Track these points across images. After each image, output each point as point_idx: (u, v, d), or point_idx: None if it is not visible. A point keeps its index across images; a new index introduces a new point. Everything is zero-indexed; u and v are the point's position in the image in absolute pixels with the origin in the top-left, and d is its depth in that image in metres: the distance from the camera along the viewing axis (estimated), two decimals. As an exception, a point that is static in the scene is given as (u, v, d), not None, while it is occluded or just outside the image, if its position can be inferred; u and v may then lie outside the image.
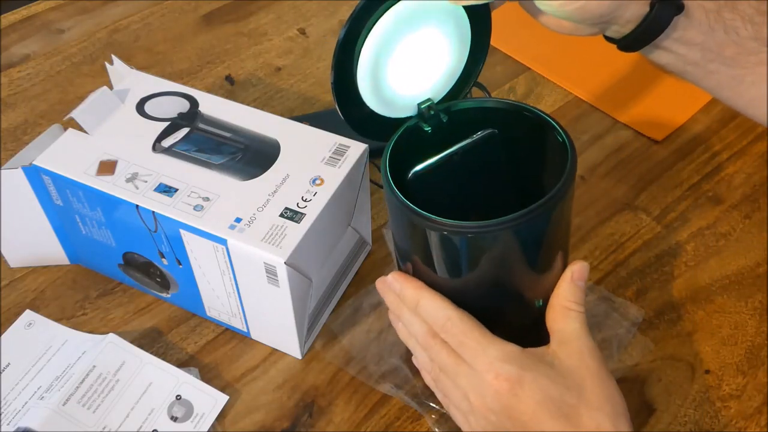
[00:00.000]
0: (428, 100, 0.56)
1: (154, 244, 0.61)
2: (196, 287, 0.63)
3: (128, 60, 0.75)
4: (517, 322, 0.55)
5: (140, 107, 0.66)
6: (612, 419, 0.47)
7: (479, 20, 0.55)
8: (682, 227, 0.72)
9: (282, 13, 0.98)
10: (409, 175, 0.53)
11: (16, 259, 0.69)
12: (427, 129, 0.56)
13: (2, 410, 0.59)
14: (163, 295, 0.67)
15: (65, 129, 0.65)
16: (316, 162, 0.61)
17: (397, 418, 0.60)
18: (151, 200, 0.59)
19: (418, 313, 0.53)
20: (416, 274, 0.54)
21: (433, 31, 0.53)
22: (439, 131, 0.56)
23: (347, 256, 0.66)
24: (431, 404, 0.59)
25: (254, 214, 0.58)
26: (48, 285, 0.69)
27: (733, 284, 0.67)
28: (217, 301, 0.63)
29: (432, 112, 0.55)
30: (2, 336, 0.64)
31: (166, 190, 0.59)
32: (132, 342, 0.63)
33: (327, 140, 0.63)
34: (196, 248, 0.59)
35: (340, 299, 0.67)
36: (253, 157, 0.62)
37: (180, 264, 0.61)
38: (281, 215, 0.57)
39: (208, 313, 0.65)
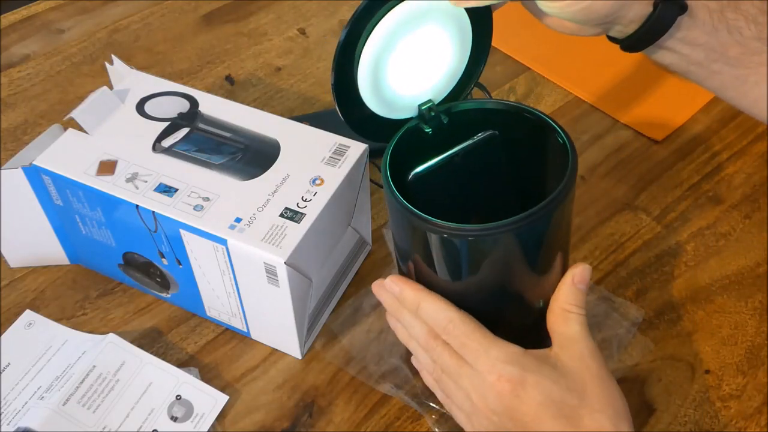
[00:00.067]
0: (429, 101, 0.56)
1: (154, 244, 0.61)
2: (196, 287, 0.63)
3: (128, 60, 0.75)
4: (518, 322, 0.55)
5: (140, 107, 0.66)
6: (613, 421, 0.47)
7: (480, 21, 0.55)
8: (682, 227, 0.72)
9: (282, 13, 0.98)
10: (410, 176, 0.53)
11: (16, 259, 0.69)
12: (427, 130, 0.56)
13: (2, 410, 0.59)
14: (163, 295, 0.67)
15: (65, 129, 0.65)
16: (316, 162, 0.61)
17: (397, 418, 0.60)
18: (151, 200, 0.59)
19: (419, 316, 0.53)
20: (417, 275, 0.54)
21: (435, 32, 0.53)
22: (440, 132, 0.56)
23: (347, 256, 0.66)
24: (431, 404, 0.59)
25: (254, 214, 0.58)
26: (48, 285, 0.69)
27: (733, 284, 0.67)
28: (217, 301, 0.63)
29: (433, 114, 0.55)
30: (2, 336, 0.64)
31: (166, 190, 0.59)
32: (132, 342, 0.63)
33: (327, 140, 0.63)
34: (196, 248, 0.59)
35: (340, 299, 0.67)
36: (253, 157, 0.62)
37: (180, 264, 0.61)
38: (281, 215, 0.57)
39: (208, 313, 0.65)
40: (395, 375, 0.61)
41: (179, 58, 0.92)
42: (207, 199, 0.59)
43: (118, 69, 0.69)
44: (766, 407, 0.60)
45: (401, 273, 0.58)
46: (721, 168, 0.77)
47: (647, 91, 0.85)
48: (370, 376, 0.62)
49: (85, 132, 0.64)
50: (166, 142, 0.63)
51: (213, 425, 0.59)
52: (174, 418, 0.59)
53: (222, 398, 0.60)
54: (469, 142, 0.55)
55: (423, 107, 0.55)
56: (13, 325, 0.65)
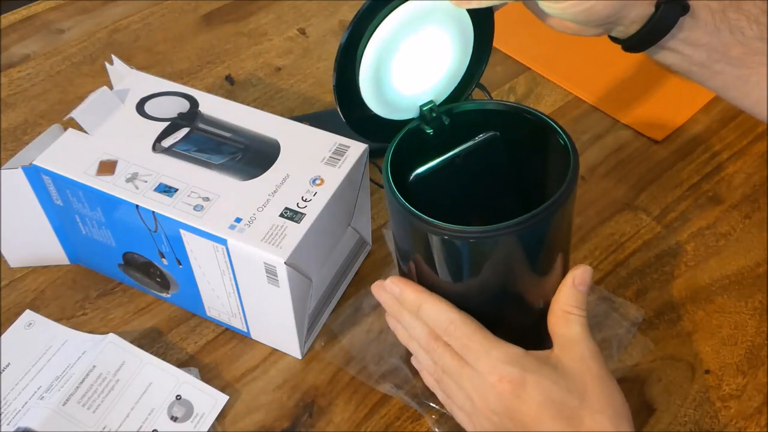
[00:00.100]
0: (430, 102, 0.56)
1: (154, 244, 0.61)
2: (196, 287, 0.63)
3: (128, 60, 0.75)
4: (519, 323, 0.55)
5: (140, 107, 0.66)
6: (614, 422, 0.47)
7: (482, 22, 0.55)
8: (682, 227, 0.72)
9: (282, 13, 0.98)
10: (411, 177, 0.53)
11: (16, 259, 0.69)
12: (429, 131, 0.55)
13: (2, 410, 0.59)
14: (163, 295, 0.67)
15: (65, 129, 0.65)
16: (316, 162, 0.61)
17: (397, 418, 0.60)
18: (151, 200, 0.59)
19: (419, 317, 0.53)
20: (417, 276, 0.54)
21: (436, 33, 0.53)
22: (441, 133, 0.56)
23: (347, 256, 0.66)
24: (431, 404, 0.59)
25: (254, 214, 0.58)
26: (48, 285, 0.69)
27: (733, 284, 0.67)
28: (217, 301, 0.63)
29: (434, 114, 0.55)
30: (2, 336, 0.64)
31: (166, 190, 0.59)
32: (132, 342, 0.63)
33: (327, 140, 0.63)
34: (196, 248, 0.59)
35: (340, 299, 0.67)
36: (253, 157, 0.62)
37: (180, 264, 0.61)
38: (281, 215, 0.57)
39: (208, 313, 0.65)
40: (395, 375, 0.61)
41: (179, 58, 0.92)
42: (207, 199, 0.59)
43: (118, 69, 0.69)
44: (766, 407, 0.60)
45: (402, 273, 0.58)
46: (721, 168, 0.78)
47: (647, 91, 0.85)
48: (370, 376, 0.62)
49: (85, 132, 0.64)
50: (166, 142, 0.63)
51: (213, 425, 0.59)
52: (174, 418, 0.59)
53: (222, 398, 0.60)
54: (471, 143, 0.55)
55: (424, 108, 0.55)
56: (13, 325, 0.65)
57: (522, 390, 0.48)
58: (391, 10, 0.50)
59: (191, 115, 0.66)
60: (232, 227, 0.57)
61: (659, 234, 0.72)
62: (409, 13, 0.50)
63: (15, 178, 0.62)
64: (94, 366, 0.61)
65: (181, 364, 0.63)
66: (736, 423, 0.59)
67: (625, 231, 0.72)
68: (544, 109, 0.84)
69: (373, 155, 0.63)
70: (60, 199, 0.63)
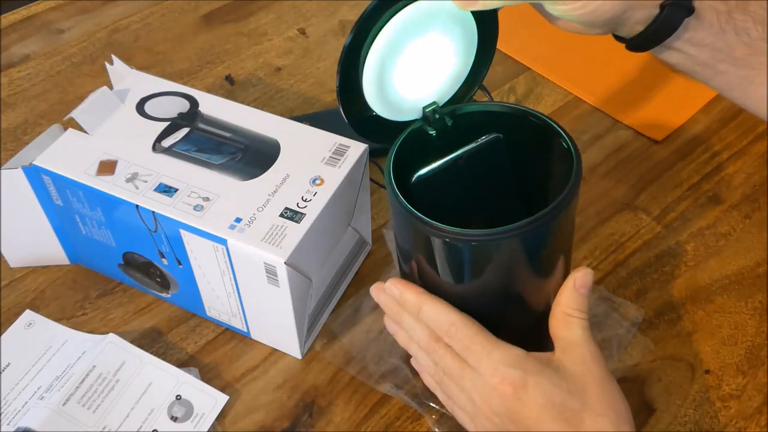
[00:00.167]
0: (433, 103, 0.56)
1: (154, 244, 0.61)
2: (196, 287, 0.63)
3: (128, 60, 0.75)
4: (520, 325, 0.55)
5: (140, 107, 0.66)
6: (615, 425, 0.47)
7: (486, 23, 0.55)
8: (682, 227, 0.72)
9: (282, 13, 0.98)
10: (414, 178, 0.53)
11: (16, 259, 0.69)
12: (431, 132, 0.55)
13: (2, 410, 0.59)
14: (163, 295, 0.67)
15: (65, 129, 0.65)
16: (316, 162, 0.61)
17: (397, 418, 0.60)
18: (151, 200, 0.59)
19: (420, 319, 0.53)
20: (419, 276, 0.54)
21: (440, 35, 0.53)
22: (444, 135, 0.56)
23: (347, 256, 0.66)
24: (431, 404, 0.59)
25: (254, 214, 0.58)
26: (48, 285, 0.69)
27: (733, 284, 0.67)
28: (217, 301, 0.63)
29: (437, 116, 0.55)
30: (2, 336, 0.64)
31: (166, 190, 0.59)
32: (132, 342, 0.63)
33: (327, 140, 0.63)
34: (196, 248, 0.59)
35: (340, 299, 0.67)
36: (253, 157, 0.62)
37: (180, 264, 0.61)
38: (281, 215, 0.57)
39: (208, 313, 0.65)
40: (395, 375, 0.61)
41: (179, 58, 0.92)
42: (207, 199, 0.59)
43: (118, 69, 0.69)
44: (766, 407, 0.60)
45: (402, 274, 0.58)
46: (721, 168, 0.77)
47: (648, 92, 0.85)
48: (370, 376, 0.62)
49: (85, 132, 0.64)
50: (166, 142, 0.63)
51: (213, 425, 0.59)
52: (174, 418, 0.59)
53: (222, 398, 0.60)
54: (473, 144, 0.55)
55: (427, 109, 0.55)
56: (13, 325, 0.65)
57: (523, 392, 0.48)
58: (396, 12, 0.50)
59: (191, 115, 0.66)
60: (232, 227, 0.57)
61: (659, 234, 0.72)
62: (414, 15, 0.50)
63: (15, 178, 0.62)
64: (94, 366, 0.61)
65: (181, 364, 0.63)
66: (736, 423, 0.59)
67: (625, 231, 0.72)
68: (543, 109, 0.84)
69: (373, 155, 0.63)
70: (60, 199, 0.63)
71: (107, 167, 0.61)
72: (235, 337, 0.65)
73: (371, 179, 0.65)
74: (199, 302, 0.64)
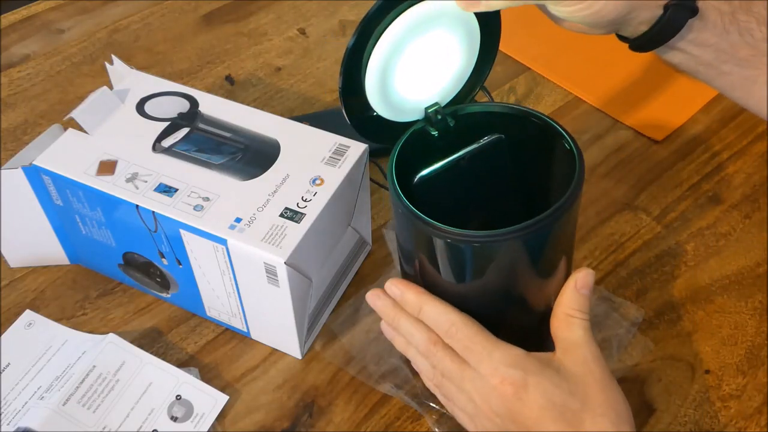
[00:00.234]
0: (435, 104, 0.56)
1: (154, 244, 0.61)
2: (196, 287, 0.63)
3: (128, 60, 0.75)
4: (520, 325, 0.55)
5: (140, 107, 0.66)
6: (616, 425, 0.47)
7: (489, 24, 0.55)
8: (682, 227, 0.72)
9: (282, 13, 0.98)
10: (416, 179, 0.53)
11: (16, 259, 0.69)
12: (434, 133, 0.55)
13: (2, 410, 0.59)
14: (163, 295, 0.67)
15: (65, 129, 0.65)
16: (316, 162, 0.61)
17: (397, 418, 0.60)
18: (151, 200, 0.59)
19: (420, 320, 0.53)
20: (420, 277, 0.54)
21: (443, 36, 0.53)
22: (446, 135, 0.56)
23: (347, 256, 0.66)
24: (431, 404, 0.59)
25: (254, 214, 0.58)
26: (48, 285, 0.69)
27: (733, 284, 0.67)
28: (217, 301, 0.63)
29: (439, 116, 0.55)
30: (2, 336, 0.64)
31: (166, 190, 0.59)
32: (132, 342, 0.63)
33: (327, 140, 0.63)
34: (196, 248, 0.59)
35: (340, 299, 0.67)
36: (253, 157, 0.62)
37: (180, 264, 0.61)
38: (281, 215, 0.57)
39: (208, 313, 0.65)
40: (395, 375, 0.61)
41: (179, 58, 0.92)
42: (207, 199, 0.59)
43: (118, 69, 0.69)
44: (766, 407, 0.60)
45: (403, 274, 0.58)
46: (721, 168, 0.77)
47: (648, 92, 0.85)
48: (370, 376, 0.62)
49: (85, 132, 0.64)
50: (166, 142, 0.63)
51: (213, 425, 0.59)
52: (174, 418, 0.59)
53: (222, 398, 0.60)
54: (475, 145, 0.55)
55: (429, 110, 0.55)
56: (13, 325, 0.65)
57: (524, 392, 0.48)
58: (399, 13, 0.50)
59: (191, 115, 0.66)
60: (232, 227, 0.57)
61: (659, 234, 0.72)
62: (417, 16, 0.50)
63: (15, 178, 0.62)
64: (94, 366, 0.61)
65: (181, 364, 0.63)
66: (736, 423, 0.59)
67: (625, 231, 0.72)
68: (543, 109, 0.84)
69: (374, 155, 0.63)
70: (60, 199, 0.63)
71: (107, 167, 0.61)
72: (235, 337, 0.65)
73: (371, 179, 0.65)
74: (199, 302, 0.64)
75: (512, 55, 0.90)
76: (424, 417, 0.59)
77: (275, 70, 0.90)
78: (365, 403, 0.61)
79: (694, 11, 0.52)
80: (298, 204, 0.58)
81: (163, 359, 0.62)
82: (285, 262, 0.55)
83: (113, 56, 0.70)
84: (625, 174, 0.77)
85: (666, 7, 0.52)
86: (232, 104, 0.67)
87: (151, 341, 0.64)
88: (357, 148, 0.62)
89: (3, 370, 0.62)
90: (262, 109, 0.67)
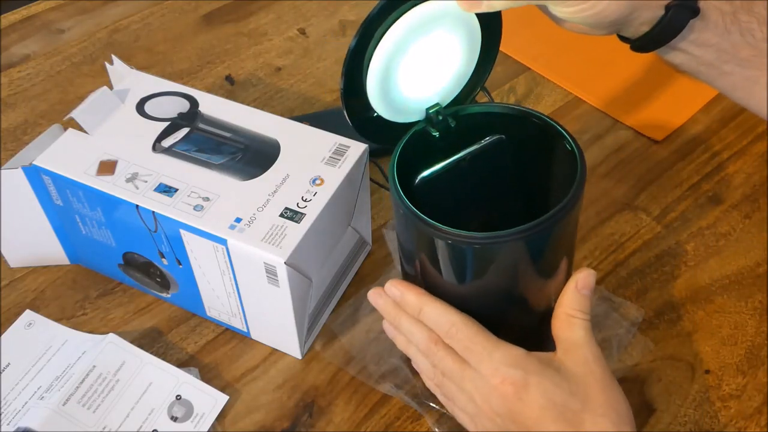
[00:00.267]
0: (436, 104, 0.56)
1: (154, 244, 0.61)
2: (196, 287, 0.63)
3: (128, 60, 0.75)
4: (521, 325, 0.55)
5: (140, 107, 0.66)
6: (616, 425, 0.47)
7: (490, 25, 0.55)
8: (682, 227, 0.72)
9: (282, 13, 0.98)
10: (417, 180, 0.53)
11: (16, 259, 0.69)
12: (435, 134, 0.55)
13: (2, 410, 0.59)
14: (163, 295, 0.67)
15: (65, 129, 0.65)
16: (316, 162, 0.61)
17: (397, 418, 0.60)
18: (151, 200, 0.59)
19: (420, 320, 0.53)
20: (421, 277, 0.54)
21: (445, 37, 0.53)
22: (447, 136, 0.56)
23: (347, 256, 0.66)
24: (431, 404, 0.59)
25: (254, 214, 0.58)
26: (48, 285, 0.69)
27: (733, 284, 0.67)
28: (217, 301, 0.63)
29: (440, 117, 0.55)
30: (2, 336, 0.64)
31: (166, 190, 0.59)
32: (132, 342, 0.63)
33: (327, 140, 0.63)
34: (196, 248, 0.59)
35: (340, 299, 0.67)
36: (253, 157, 0.62)
37: (180, 264, 0.61)
38: (281, 215, 0.57)
39: (208, 313, 0.65)
40: (395, 375, 0.61)
41: (179, 58, 0.92)
42: (207, 199, 0.59)
43: (118, 69, 0.69)
44: (766, 407, 0.60)
45: (404, 274, 0.58)
46: (721, 168, 0.77)
47: (648, 92, 0.85)
48: (370, 376, 0.62)
49: (85, 132, 0.64)
50: (166, 142, 0.63)
51: (213, 425, 0.59)
52: (174, 418, 0.59)
53: (222, 398, 0.60)
54: (477, 146, 0.55)
55: (430, 111, 0.55)
56: (13, 325, 0.65)
57: (524, 392, 0.48)
58: (401, 14, 0.50)
59: (191, 115, 0.66)
60: (232, 227, 0.57)
61: (659, 234, 0.72)
62: (419, 17, 0.50)
63: (15, 178, 0.62)
64: (94, 366, 0.61)
65: (181, 364, 0.63)
66: (736, 423, 0.59)
67: (625, 231, 0.72)
68: (543, 109, 0.84)
69: (373, 155, 0.63)
70: (60, 199, 0.63)
71: (107, 167, 0.61)
72: (235, 337, 0.65)
73: (371, 179, 0.65)
74: (199, 302, 0.64)
75: (512, 55, 0.90)
76: (424, 417, 0.59)
77: (275, 70, 0.90)
78: (365, 403, 0.61)
79: (695, 11, 0.52)
80: (298, 204, 0.58)
81: (163, 359, 0.62)
82: (285, 262, 0.55)
83: (113, 56, 0.70)
84: (625, 174, 0.77)
85: (667, 8, 0.52)
86: (232, 104, 0.67)
87: (151, 341, 0.64)
88: (357, 148, 0.62)
89: (3, 370, 0.62)
90: (262, 109, 0.67)
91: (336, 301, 0.67)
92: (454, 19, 0.52)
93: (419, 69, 0.53)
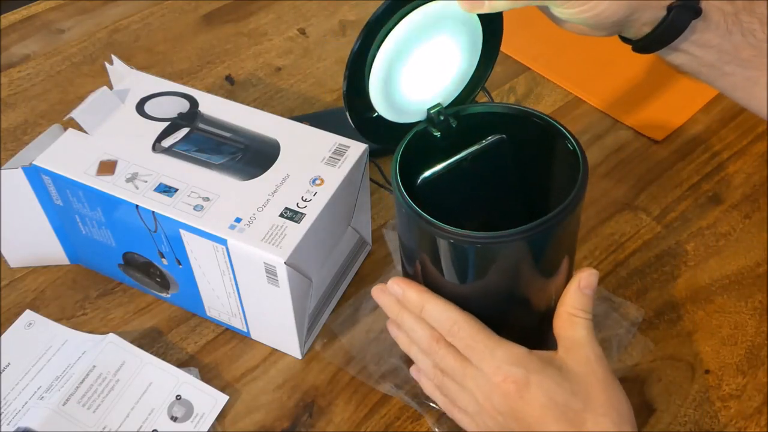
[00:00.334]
0: (438, 105, 0.56)
1: (154, 244, 0.61)
2: (196, 287, 0.63)
3: (128, 60, 0.75)
4: (522, 325, 0.55)
5: (140, 107, 0.66)
6: (617, 425, 0.48)
7: (491, 25, 0.55)
8: (682, 227, 0.72)
9: (282, 13, 0.98)
10: (419, 180, 0.53)
11: (16, 259, 0.69)
12: (436, 134, 0.56)
13: (2, 410, 0.59)
14: (163, 295, 0.67)
15: (65, 129, 0.65)
16: (316, 162, 0.61)
17: (397, 418, 0.60)
18: (151, 200, 0.59)
19: (422, 318, 0.53)
20: (423, 277, 0.54)
21: (447, 37, 0.53)
22: (448, 136, 0.56)
23: (347, 256, 0.66)
24: (431, 404, 0.59)
25: (254, 214, 0.58)
26: (48, 285, 0.69)
27: (733, 284, 0.67)
28: (217, 301, 0.63)
29: (441, 117, 0.55)
30: (2, 336, 0.64)
31: (166, 190, 0.59)
32: (132, 342, 0.63)
33: (327, 140, 0.63)
34: (196, 248, 0.59)
35: (340, 299, 0.67)
36: (253, 157, 0.62)
37: (180, 264, 0.61)
38: (281, 215, 0.57)
39: (208, 313, 0.65)
40: (395, 375, 0.61)
41: (179, 58, 0.92)
42: (207, 199, 0.59)
43: (118, 69, 0.69)
44: (766, 407, 0.60)
45: (405, 273, 0.58)
46: (721, 168, 0.78)
47: (648, 91, 0.85)
48: (370, 376, 0.62)
49: (85, 132, 0.64)
50: (166, 142, 0.63)
51: (213, 425, 0.59)
52: (174, 418, 0.59)
53: (222, 398, 0.60)
54: (478, 146, 0.55)
55: (432, 111, 0.55)
56: (13, 325, 0.65)
57: (526, 390, 0.48)
58: (403, 16, 0.50)
59: (191, 115, 0.66)
60: (232, 227, 0.57)
61: (659, 234, 0.72)
62: (421, 18, 0.50)
63: (15, 178, 0.62)
64: (94, 366, 0.61)
65: (181, 364, 0.63)
66: (736, 423, 0.59)
67: (625, 231, 0.72)
68: (543, 109, 0.84)
69: (373, 155, 0.63)
70: (60, 199, 0.63)
71: (107, 167, 0.61)
72: (235, 337, 0.65)
73: (371, 179, 0.65)
74: (199, 302, 0.64)
75: (512, 55, 0.90)
76: (424, 417, 0.59)
77: (275, 70, 0.90)
78: (365, 403, 0.61)
79: (697, 12, 0.52)
80: (298, 204, 0.58)
81: (163, 359, 0.62)
82: (285, 262, 0.55)
83: (113, 56, 0.70)
84: (625, 174, 0.77)
85: (669, 9, 0.51)
86: (232, 104, 0.67)
87: (151, 341, 0.64)
88: (357, 148, 0.62)
89: (3, 370, 0.62)
90: (262, 109, 0.67)
91: (336, 301, 0.67)
92: (456, 20, 0.52)
93: (421, 70, 0.53)
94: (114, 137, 0.64)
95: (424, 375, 0.55)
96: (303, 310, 0.60)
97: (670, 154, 0.79)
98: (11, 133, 0.82)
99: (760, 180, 0.76)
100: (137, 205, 0.59)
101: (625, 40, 0.56)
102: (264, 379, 0.62)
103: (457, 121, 0.56)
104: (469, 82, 0.58)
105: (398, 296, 0.54)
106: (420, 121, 0.56)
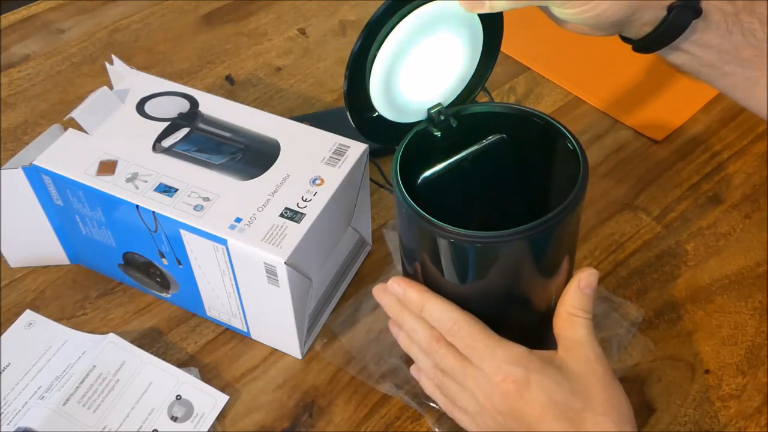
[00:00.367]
0: (438, 104, 0.56)
1: (154, 244, 0.61)
2: (196, 287, 0.63)
3: (128, 60, 0.75)
4: (522, 324, 0.55)
5: (140, 107, 0.66)
6: (617, 425, 0.48)
7: (492, 25, 0.55)
8: (682, 227, 0.72)
9: (282, 13, 0.98)
10: (420, 180, 0.53)
11: (16, 259, 0.69)
12: (436, 133, 0.56)
13: (2, 410, 0.59)
14: (163, 295, 0.67)
15: (65, 129, 0.65)
16: (316, 162, 0.61)
17: (397, 418, 0.60)
18: (151, 200, 0.59)
19: (422, 318, 0.53)
20: (423, 277, 0.54)
21: (447, 38, 0.53)
22: (449, 136, 0.56)
23: (347, 256, 0.66)
24: (431, 404, 0.59)
25: (254, 214, 0.58)
26: (48, 285, 0.69)
27: (733, 284, 0.67)
28: (217, 301, 0.63)
29: (442, 117, 0.55)
30: (2, 336, 0.64)
31: (166, 190, 0.59)
32: (132, 342, 0.63)
33: (327, 140, 0.63)
34: (196, 248, 0.59)
35: (340, 299, 0.67)
36: (253, 157, 0.62)
37: (180, 264, 0.61)
38: (281, 215, 0.57)
39: (208, 313, 0.65)
40: (395, 375, 0.61)
41: (179, 58, 0.92)
42: (207, 199, 0.59)
43: (118, 69, 0.69)
44: (766, 407, 0.60)
45: (405, 273, 0.58)
46: (721, 168, 0.78)
47: (648, 91, 0.85)
48: (370, 376, 0.62)
49: (85, 132, 0.64)
50: (166, 142, 0.63)
51: (213, 425, 0.59)
52: (174, 418, 0.59)
53: (222, 398, 0.60)
54: (478, 146, 0.55)
55: (432, 110, 0.55)
56: (13, 325, 0.65)
57: (526, 390, 0.48)
58: (404, 16, 0.50)
59: (191, 115, 0.66)
60: (232, 227, 0.57)
61: (659, 234, 0.72)
62: (422, 18, 0.50)
63: (15, 178, 0.62)
64: (94, 366, 0.61)
65: (181, 364, 0.63)
66: (736, 423, 0.59)
67: (625, 231, 0.72)
68: (544, 109, 0.84)
69: (373, 155, 0.63)
70: (60, 199, 0.63)
71: (107, 167, 0.61)
72: (235, 337, 0.65)
73: (371, 179, 0.65)
74: (199, 302, 0.64)
75: (512, 55, 0.90)
76: (424, 417, 0.59)
77: (275, 70, 0.90)
78: (365, 403, 0.61)
79: (698, 12, 0.52)
80: (298, 204, 0.58)
81: (163, 359, 0.62)
82: (285, 262, 0.55)
83: (113, 56, 0.70)
84: (625, 174, 0.77)
85: (670, 9, 0.52)
86: (232, 104, 0.67)
87: (151, 341, 0.64)
88: (357, 148, 0.62)
89: (3, 370, 0.62)
90: (262, 109, 0.67)
91: (336, 301, 0.67)
92: (456, 20, 0.52)
93: (421, 70, 0.53)
94: (114, 137, 0.64)
95: (424, 375, 0.55)
96: (303, 310, 0.60)
97: (670, 154, 0.79)
98: (11, 133, 0.82)
99: (760, 180, 0.76)
100: (137, 205, 0.59)
101: (625, 39, 0.56)
102: (264, 379, 0.62)
103: (457, 120, 0.56)
104: (469, 81, 0.58)
105: (399, 296, 0.54)
106: (420, 121, 0.56)
